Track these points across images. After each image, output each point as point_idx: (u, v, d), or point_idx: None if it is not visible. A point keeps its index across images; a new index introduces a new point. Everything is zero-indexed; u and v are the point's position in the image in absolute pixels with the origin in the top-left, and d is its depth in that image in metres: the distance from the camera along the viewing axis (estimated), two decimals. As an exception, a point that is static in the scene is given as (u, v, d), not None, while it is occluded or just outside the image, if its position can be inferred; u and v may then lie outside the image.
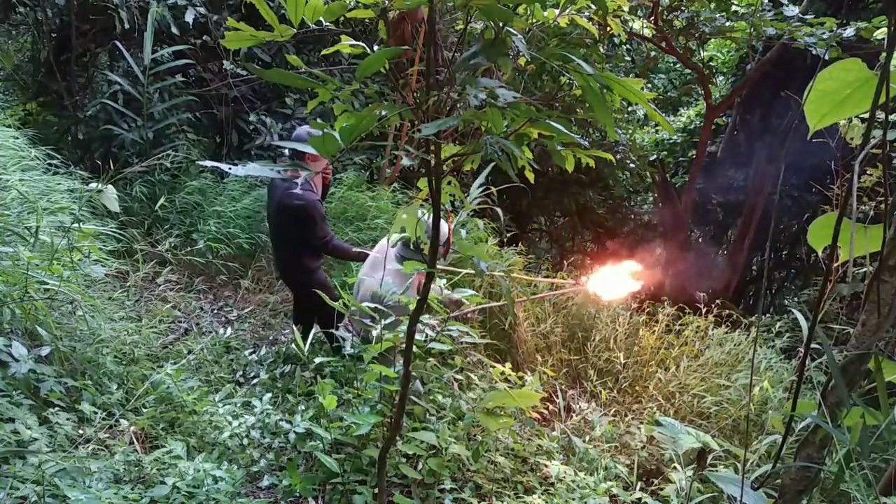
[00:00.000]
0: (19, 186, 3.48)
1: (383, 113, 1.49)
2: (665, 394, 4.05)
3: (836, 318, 4.68)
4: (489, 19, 1.42)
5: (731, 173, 9.32)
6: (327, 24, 1.50)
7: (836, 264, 1.50)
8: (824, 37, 5.18)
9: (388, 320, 2.48)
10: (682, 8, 6.58)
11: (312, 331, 3.46)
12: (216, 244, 4.96)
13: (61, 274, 2.88)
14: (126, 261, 4.18)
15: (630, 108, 9.14)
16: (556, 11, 1.85)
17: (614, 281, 3.01)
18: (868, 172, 4.34)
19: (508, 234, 6.01)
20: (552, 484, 2.84)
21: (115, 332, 3.33)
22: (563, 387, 4.14)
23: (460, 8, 1.41)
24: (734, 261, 9.05)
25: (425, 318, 2.49)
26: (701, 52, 8.71)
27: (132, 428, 2.72)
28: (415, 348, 2.22)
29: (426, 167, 1.69)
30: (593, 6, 1.94)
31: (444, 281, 3.04)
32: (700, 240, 9.76)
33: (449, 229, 2.69)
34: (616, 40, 7.42)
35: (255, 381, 3.55)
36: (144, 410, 2.88)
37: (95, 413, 2.61)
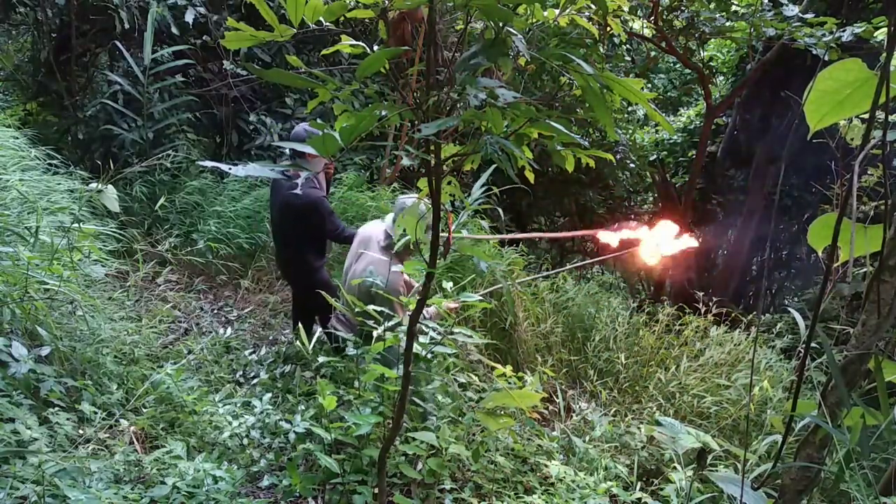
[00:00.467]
0: (19, 186, 3.49)
1: (383, 113, 1.49)
2: (665, 394, 4.05)
3: (836, 318, 4.68)
4: (489, 19, 1.42)
5: (731, 173, 9.32)
6: (327, 24, 1.50)
7: (836, 264, 1.50)
8: (824, 38, 5.17)
9: (384, 315, 2.47)
10: (682, 8, 6.58)
11: (313, 330, 3.46)
12: (216, 244, 4.96)
13: (61, 274, 2.88)
14: (126, 261, 4.18)
15: (630, 108, 9.14)
16: (556, 11, 1.85)
17: (664, 241, 2.82)
18: (868, 172, 4.34)
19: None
20: (552, 484, 2.84)
21: (115, 332, 3.33)
22: (563, 387, 4.14)
23: (460, 8, 1.41)
24: (734, 261, 9.05)
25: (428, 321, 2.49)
26: (701, 52, 8.70)
27: (132, 428, 2.72)
28: (416, 349, 2.22)
29: (426, 167, 1.69)
30: (593, 6, 1.94)
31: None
32: (700, 240, 9.75)
33: (450, 228, 2.69)
34: (616, 40, 7.41)
35: (255, 381, 3.55)
36: (144, 410, 2.88)
37: (95, 413, 2.61)
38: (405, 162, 5.93)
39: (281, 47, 6.09)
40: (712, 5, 6.45)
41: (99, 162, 5.06)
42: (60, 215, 3.47)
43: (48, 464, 2.04)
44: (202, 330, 4.33)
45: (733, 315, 5.25)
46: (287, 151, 4.39)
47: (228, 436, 2.74)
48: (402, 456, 2.60)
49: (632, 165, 8.35)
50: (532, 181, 2.12)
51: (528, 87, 6.89)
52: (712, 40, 8.63)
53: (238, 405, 3.04)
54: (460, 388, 3.19)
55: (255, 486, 2.71)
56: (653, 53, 7.97)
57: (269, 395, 3.00)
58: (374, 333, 2.45)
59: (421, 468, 2.67)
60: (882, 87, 1.15)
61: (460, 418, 2.93)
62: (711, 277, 8.96)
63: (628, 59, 8.00)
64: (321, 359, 2.89)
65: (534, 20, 1.74)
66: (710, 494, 2.69)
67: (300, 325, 3.58)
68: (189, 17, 5.55)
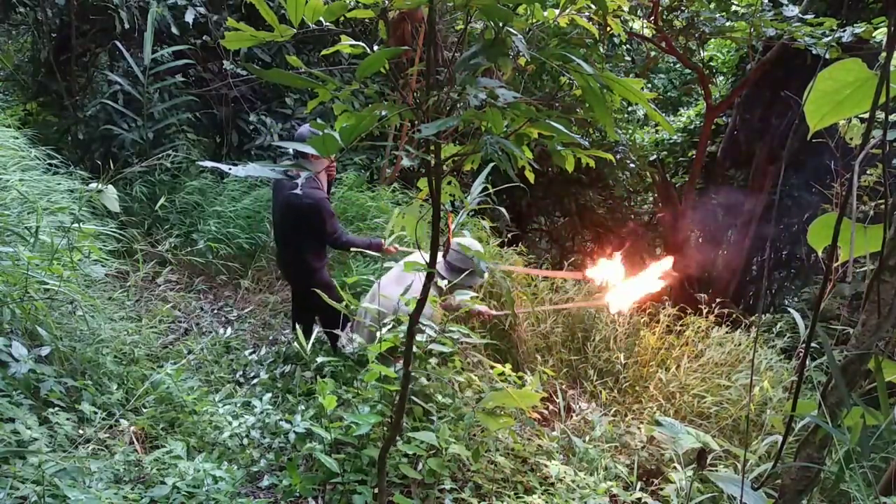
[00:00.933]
0: (19, 186, 3.49)
1: (383, 113, 1.49)
2: (665, 394, 4.05)
3: (836, 318, 4.68)
4: (489, 19, 1.42)
5: (731, 173, 9.31)
6: (327, 24, 1.50)
7: (836, 264, 1.50)
8: (824, 38, 5.17)
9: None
10: (682, 8, 6.58)
11: (314, 330, 3.46)
12: (216, 244, 4.96)
13: (61, 274, 2.88)
14: (126, 261, 4.18)
15: (630, 108, 9.14)
16: (556, 11, 1.85)
17: (635, 287, 3.08)
18: (868, 172, 4.34)
19: (509, 235, 6.02)
20: (552, 484, 2.84)
21: (115, 332, 3.33)
22: (563, 387, 4.14)
23: (460, 8, 1.41)
24: (734, 261, 9.04)
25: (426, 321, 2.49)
26: (701, 52, 8.69)
27: (132, 428, 2.72)
28: (416, 349, 2.22)
29: (426, 167, 1.69)
30: (593, 6, 1.94)
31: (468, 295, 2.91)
32: (700, 240, 9.74)
33: (450, 228, 2.68)
34: (616, 40, 7.41)
35: (255, 381, 3.55)
36: (144, 410, 2.88)
37: (95, 413, 2.61)
38: (405, 162, 5.93)
39: (281, 47, 6.09)
40: (712, 5, 6.45)
41: (99, 162, 5.06)
42: (60, 215, 3.46)
43: (48, 464, 2.04)
44: (202, 330, 4.33)
45: (734, 315, 5.24)
46: (288, 151, 4.38)
47: (228, 436, 2.74)
48: (402, 456, 2.60)
49: (632, 165, 8.35)
50: (532, 181, 2.12)
51: (528, 87, 6.89)
52: (712, 40, 8.62)
53: (238, 405, 3.04)
54: (460, 389, 3.19)
55: (255, 486, 2.71)
56: (653, 53, 7.97)
57: (269, 395, 3.00)
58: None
59: (421, 468, 2.67)
60: (882, 87, 1.15)
61: (460, 419, 2.93)
62: (711, 277, 8.95)
63: (628, 59, 8.00)
64: (320, 359, 2.89)
65: (534, 20, 1.74)
66: (710, 494, 2.69)
67: (299, 325, 3.58)
68: (189, 17, 5.55)
